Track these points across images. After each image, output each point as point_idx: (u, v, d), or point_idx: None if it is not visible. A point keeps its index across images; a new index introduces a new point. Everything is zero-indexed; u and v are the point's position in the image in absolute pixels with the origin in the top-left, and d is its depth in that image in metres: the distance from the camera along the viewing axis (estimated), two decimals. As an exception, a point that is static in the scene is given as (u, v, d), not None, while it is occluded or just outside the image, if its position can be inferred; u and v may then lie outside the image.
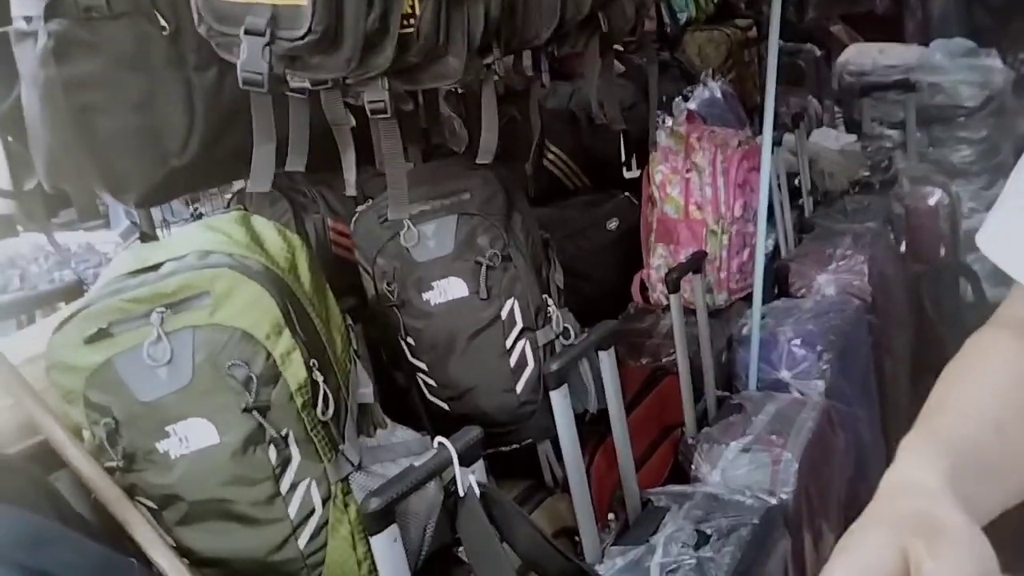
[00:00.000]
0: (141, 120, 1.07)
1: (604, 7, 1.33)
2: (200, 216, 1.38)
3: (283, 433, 0.92)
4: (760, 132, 1.98)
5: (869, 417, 2.11)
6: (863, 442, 2.04)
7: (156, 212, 1.43)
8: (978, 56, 3.31)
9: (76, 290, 1.29)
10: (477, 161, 1.13)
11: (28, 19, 1.05)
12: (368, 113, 0.98)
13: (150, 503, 0.91)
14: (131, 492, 0.89)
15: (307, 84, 0.95)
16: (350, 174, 1.04)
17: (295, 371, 0.93)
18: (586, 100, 1.83)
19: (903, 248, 2.74)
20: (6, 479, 0.78)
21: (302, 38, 0.86)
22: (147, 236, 1.22)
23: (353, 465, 0.98)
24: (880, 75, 3.32)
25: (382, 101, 0.96)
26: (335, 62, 0.90)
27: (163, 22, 1.02)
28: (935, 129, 3.26)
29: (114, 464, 0.89)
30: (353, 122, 1.05)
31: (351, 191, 1.05)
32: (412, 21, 0.93)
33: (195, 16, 0.93)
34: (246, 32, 0.86)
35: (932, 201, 2.99)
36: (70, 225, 1.74)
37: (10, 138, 1.16)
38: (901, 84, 3.24)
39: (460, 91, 2.04)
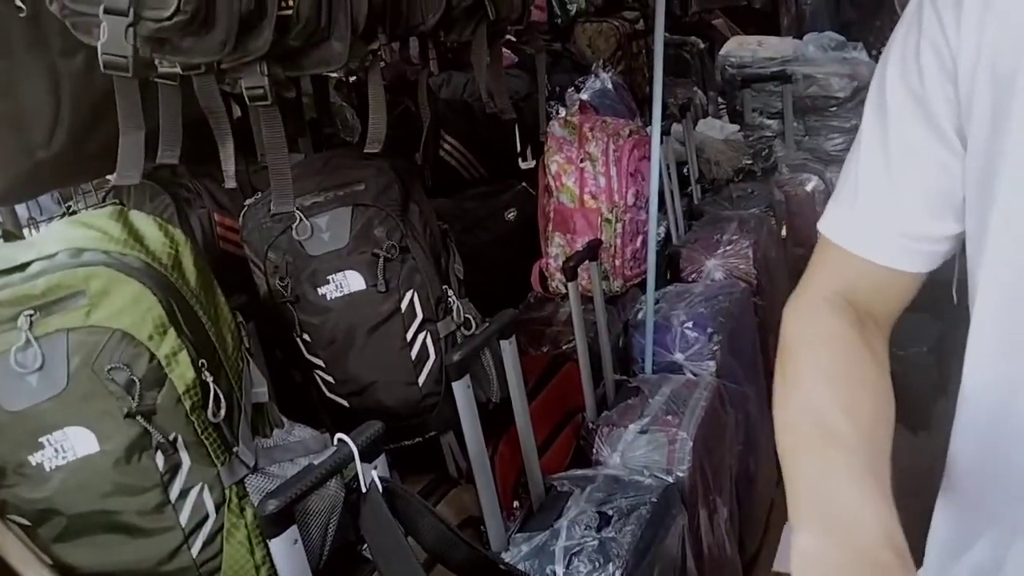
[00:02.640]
0: (1, 108, 0.99)
1: (491, -6, 1.31)
2: (74, 214, 1.29)
3: (171, 438, 0.87)
4: (650, 122, 2.03)
5: (756, 393, 2.21)
6: (751, 417, 2.14)
7: (21, 210, 1.33)
8: (846, 49, 3.51)
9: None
10: (365, 151, 1.09)
11: None
12: (247, 100, 0.93)
13: (23, 520, 0.85)
14: (1, 510, 0.83)
15: (178, 69, 0.88)
16: (229, 166, 0.98)
17: (182, 372, 0.89)
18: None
19: (784, 232, 2.88)
20: None
21: (169, 18, 0.80)
22: (11, 235, 1.13)
23: (248, 467, 0.95)
24: (759, 67, 3.47)
25: (261, 87, 0.91)
26: (208, 45, 0.84)
27: (19, 2, 0.95)
28: (810, 118, 3.44)
29: (-20, 481, 0.82)
30: (237, 111, 0.99)
31: (230, 184, 0.99)
32: (291, 2, 0.89)
33: None
34: (106, 11, 0.79)
35: (809, 187, 3.16)
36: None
37: None
38: (778, 76, 3.40)
39: (351, 80, 2.00)
